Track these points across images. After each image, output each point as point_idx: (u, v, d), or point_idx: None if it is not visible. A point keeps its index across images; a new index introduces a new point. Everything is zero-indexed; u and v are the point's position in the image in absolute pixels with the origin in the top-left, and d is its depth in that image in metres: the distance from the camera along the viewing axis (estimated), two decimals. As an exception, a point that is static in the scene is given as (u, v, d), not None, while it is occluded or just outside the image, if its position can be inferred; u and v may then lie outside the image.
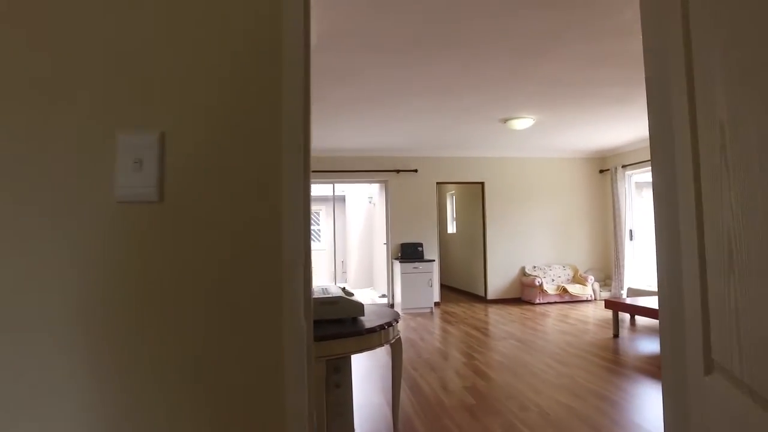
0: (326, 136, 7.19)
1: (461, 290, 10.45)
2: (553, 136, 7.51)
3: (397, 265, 8.01)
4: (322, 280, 14.41)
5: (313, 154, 8.44)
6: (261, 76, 0.92)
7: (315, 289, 2.71)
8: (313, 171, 8.42)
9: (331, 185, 8.90)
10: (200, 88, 0.90)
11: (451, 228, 11.46)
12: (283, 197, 0.91)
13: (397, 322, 2.61)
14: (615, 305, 5.60)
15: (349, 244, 13.13)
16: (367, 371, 4.45)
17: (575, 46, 3.92)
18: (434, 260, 8.17)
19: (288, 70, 0.92)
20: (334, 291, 2.68)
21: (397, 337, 2.63)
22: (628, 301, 5.58)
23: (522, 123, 6.36)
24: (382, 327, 2.41)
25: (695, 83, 0.69)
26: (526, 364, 4.54)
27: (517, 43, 3.88)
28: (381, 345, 2.45)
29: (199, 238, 0.88)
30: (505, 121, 6.40)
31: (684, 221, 0.75)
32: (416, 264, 7.89)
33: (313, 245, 12.04)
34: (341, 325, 2.38)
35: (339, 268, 14.82)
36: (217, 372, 0.87)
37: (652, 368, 4.28)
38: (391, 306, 8.52)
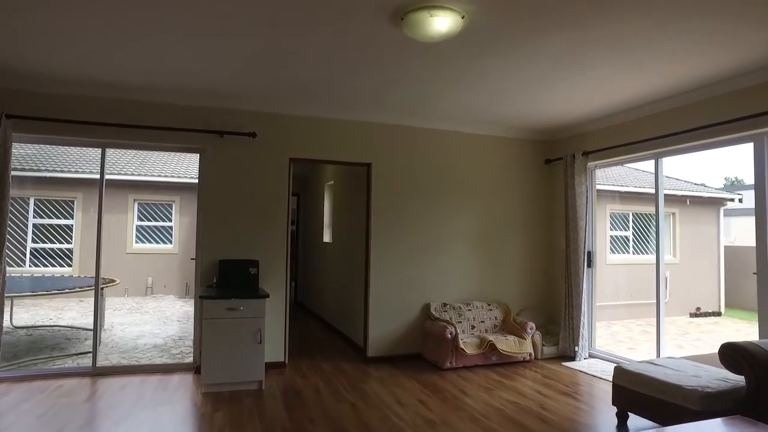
0: (65, 47, 3.35)
1: (339, 331, 6.92)
2: (484, 79, 4.19)
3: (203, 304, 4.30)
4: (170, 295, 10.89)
5: (62, 91, 4.51)
6: None
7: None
8: (61, 121, 4.48)
9: (101, 151, 4.93)
10: None
11: (328, 235, 7.90)
12: None
13: None
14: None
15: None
16: None
17: None
18: (268, 296, 4.47)
19: None
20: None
21: None
22: None
23: (441, 21, 2.97)
24: None
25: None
26: None
27: None
28: None
29: None
30: (405, 15, 2.99)
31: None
32: (235, 302, 4.22)
33: (162, 247, 7.99)
34: None
35: (193, 279, 11.30)
36: None
37: None
38: (196, 370, 4.76)
